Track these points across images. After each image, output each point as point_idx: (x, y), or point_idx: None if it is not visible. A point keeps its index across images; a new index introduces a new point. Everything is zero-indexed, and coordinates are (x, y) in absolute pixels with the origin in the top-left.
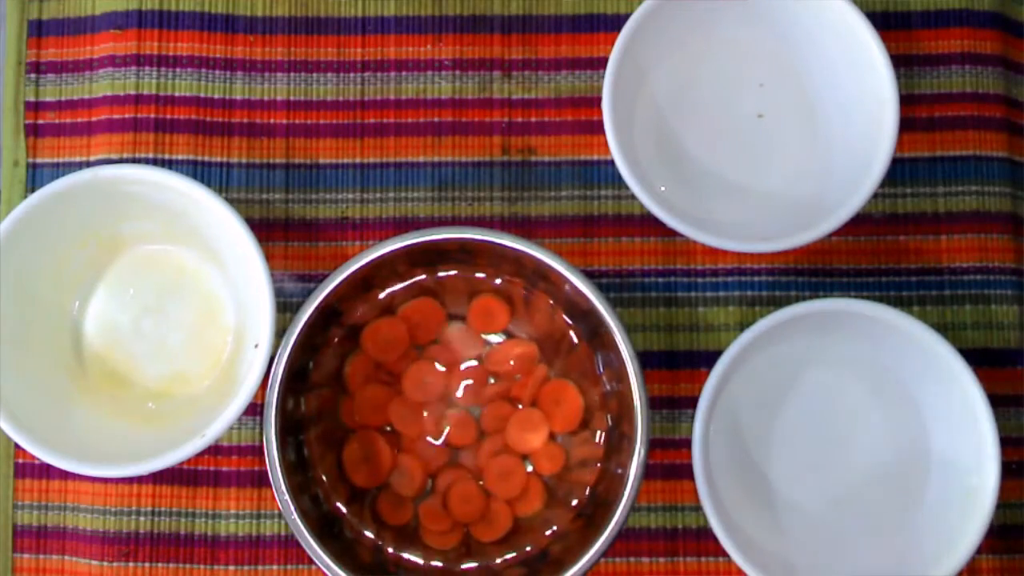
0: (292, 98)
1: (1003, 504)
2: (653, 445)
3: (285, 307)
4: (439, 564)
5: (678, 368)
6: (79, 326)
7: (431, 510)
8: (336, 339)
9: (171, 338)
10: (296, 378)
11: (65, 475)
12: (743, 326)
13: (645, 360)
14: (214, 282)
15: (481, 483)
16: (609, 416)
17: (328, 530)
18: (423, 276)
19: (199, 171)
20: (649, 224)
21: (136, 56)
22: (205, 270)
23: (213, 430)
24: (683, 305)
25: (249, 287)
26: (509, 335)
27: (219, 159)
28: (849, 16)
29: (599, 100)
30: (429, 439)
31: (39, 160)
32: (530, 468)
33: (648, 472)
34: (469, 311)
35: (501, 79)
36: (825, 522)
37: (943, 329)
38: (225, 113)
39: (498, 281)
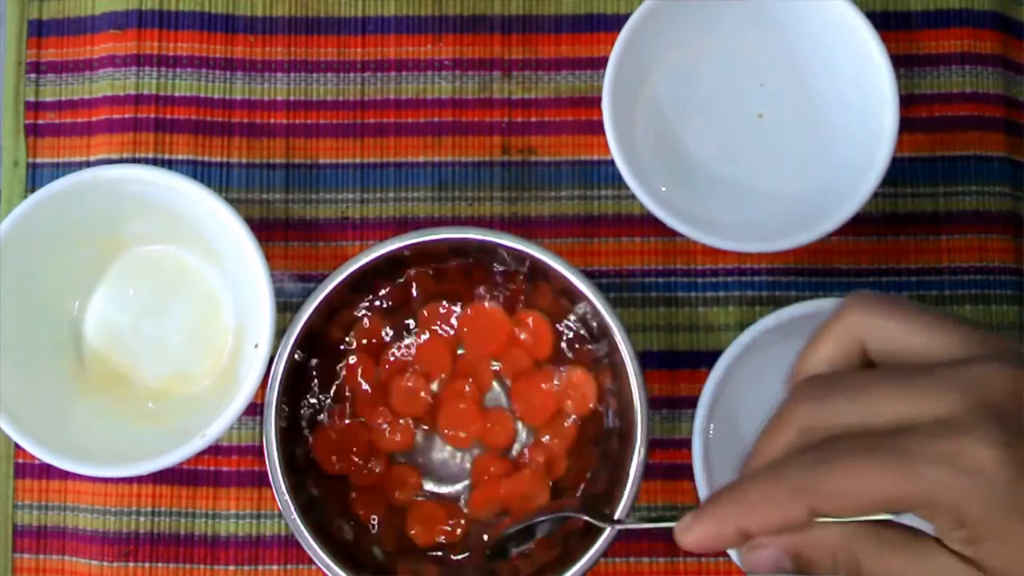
0: (292, 98)
1: None
2: (653, 445)
3: (285, 307)
4: (438, 563)
5: (678, 368)
6: (79, 326)
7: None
8: (336, 339)
9: (171, 338)
10: (296, 378)
11: (65, 475)
12: (743, 326)
13: (645, 360)
14: (214, 282)
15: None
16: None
17: (328, 530)
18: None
19: (199, 171)
20: (649, 224)
21: (136, 56)
22: (205, 270)
23: (213, 430)
24: (683, 305)
25: (249, 287)
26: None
27: (219, 159)
28: (849, 16)
29: (599, 100)
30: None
31: (39, 160)
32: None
33: (648, 472)
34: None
35: (501, 79)
36: None
37: None
38: (225, 113)
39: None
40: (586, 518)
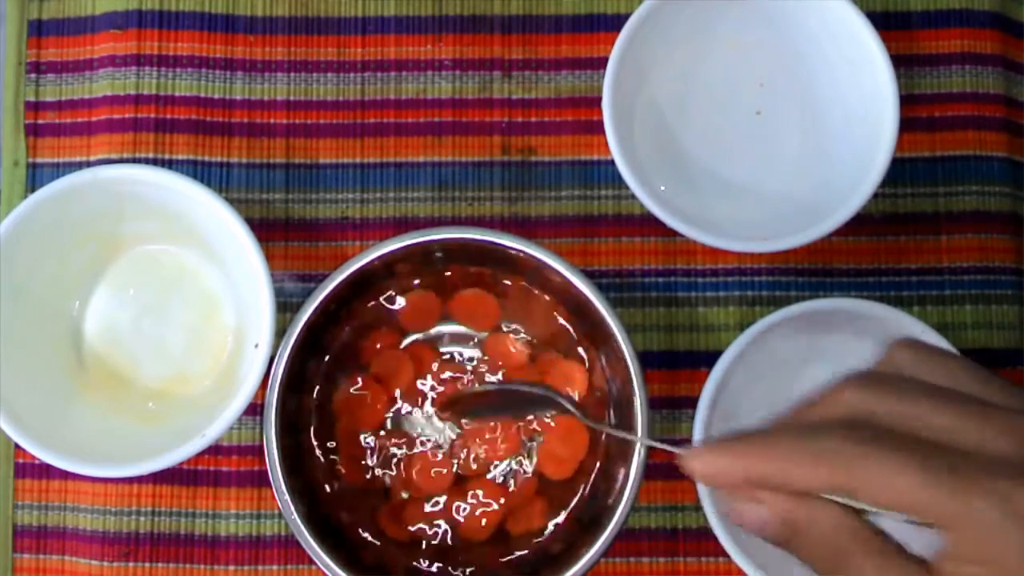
0: (292, 98)
1: None
2: None
3: (285, 307)
4: (438, 564)
5: (678, 368)
6: (79, 326)
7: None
8: (336, 339)
9: (171, 338)
10: (296, 378)
11: (65, 475)
12: (743, 326)
13: (645, 360)
14: (214, 282)
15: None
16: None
17: (328, 530)
18: (423, 276)
19: (199, 171)
20: (649, 224)
21: (136, 56)
22: (205, 270)
23: (213, 430)
24: (683, 305)
25: (249, 287)
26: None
27: (219, 159)
28: (849, 16)
29: (599, 100)
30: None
31: (39, 160)
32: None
33: (648, 472)
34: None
35: (501, 79)
36: None
37: (943, 329)
38: (225, 113)
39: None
40: (574, 412)
